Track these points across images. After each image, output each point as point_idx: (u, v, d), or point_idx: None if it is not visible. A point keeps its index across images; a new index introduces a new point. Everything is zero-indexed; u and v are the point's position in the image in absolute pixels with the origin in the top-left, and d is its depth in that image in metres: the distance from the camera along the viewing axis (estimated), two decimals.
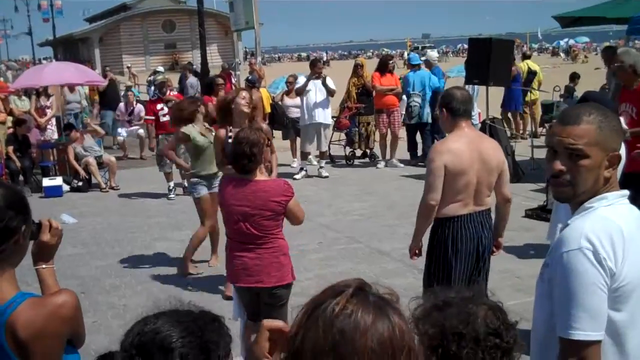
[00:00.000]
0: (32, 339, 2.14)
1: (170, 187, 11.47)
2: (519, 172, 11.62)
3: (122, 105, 16.57)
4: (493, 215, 4.91)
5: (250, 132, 4.70)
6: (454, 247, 4.68)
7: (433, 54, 15.48)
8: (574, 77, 16.63)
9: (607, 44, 26.56)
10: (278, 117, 13.20)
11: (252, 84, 11.94)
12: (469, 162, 4.56)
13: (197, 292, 6.91)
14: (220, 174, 6.58)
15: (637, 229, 2.18)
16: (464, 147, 4.59)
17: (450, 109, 4.66)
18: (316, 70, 12.57)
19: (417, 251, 4.99)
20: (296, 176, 12.39)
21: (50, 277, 2.46)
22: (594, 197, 2.21)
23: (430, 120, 13.26)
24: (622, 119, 5.92)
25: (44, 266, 2.46)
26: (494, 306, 1.95)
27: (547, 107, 16.34)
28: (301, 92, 12.49)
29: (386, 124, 13.07)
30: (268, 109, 12.15)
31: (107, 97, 17.87)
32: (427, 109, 13.24)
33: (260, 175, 4.71)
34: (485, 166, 4.62)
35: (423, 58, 15.21)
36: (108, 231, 9.56)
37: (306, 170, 12.68)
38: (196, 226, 7.62)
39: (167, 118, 11.41)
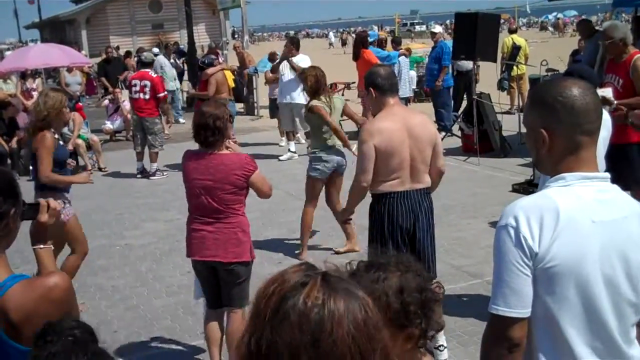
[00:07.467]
0: (24, 321, 2.15)
1: (154, 168, 11.66)
2: (507, 147, 11.66)
3: (107, 102, 16.20)
4: (434, 198, 4.88)
5: (215, 106, 4.65)
6: (391, 222, 4.69)
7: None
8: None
9: (594, 17, 26.52)
10: (238, 92, 13.28)
11: (208, 65, 11.65)
12: (399, 140, 4.56)
13: (186, 274, 6.85)
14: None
15: (583, 212, 2.06)
16: (394, 125, 4.58)
17: (376, 86, 4.69)
18: (286, 50, 12.28)
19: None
20: (281, 157, 12.33)
21: (48, 258, 2.48)
22: (554, 175, 2.16)
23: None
24: (609, 90, 5.91)
25: (41, 246, 2.48)
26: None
27: (534, 82, 16.30)
28: (274, 71, 12.41)
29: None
30: (232, 84, 12.38)
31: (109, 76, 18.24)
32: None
33: (223, 150, 4.63)
34: (417, 143, 4.61)
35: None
36: (96, 213, 9.54)
37: (294, 151, 12.50)
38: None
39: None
